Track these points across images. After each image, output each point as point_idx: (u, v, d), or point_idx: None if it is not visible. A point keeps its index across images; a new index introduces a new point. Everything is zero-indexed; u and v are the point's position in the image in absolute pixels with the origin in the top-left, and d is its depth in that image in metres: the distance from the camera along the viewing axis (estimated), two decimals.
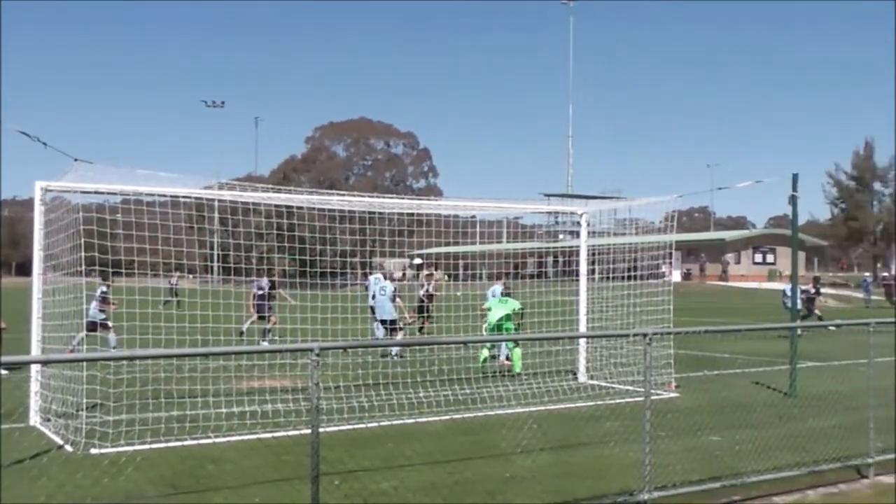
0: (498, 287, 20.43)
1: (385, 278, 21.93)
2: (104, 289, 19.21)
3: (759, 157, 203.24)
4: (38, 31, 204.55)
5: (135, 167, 12.92)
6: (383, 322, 20.26)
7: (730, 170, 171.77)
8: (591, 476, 9.22)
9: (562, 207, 32.97)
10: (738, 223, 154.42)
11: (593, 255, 17.86)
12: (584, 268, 16.80)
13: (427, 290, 23.96)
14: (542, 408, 13.02)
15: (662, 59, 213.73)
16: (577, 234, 17.71)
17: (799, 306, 19.68)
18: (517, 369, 16.80)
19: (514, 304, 17.90)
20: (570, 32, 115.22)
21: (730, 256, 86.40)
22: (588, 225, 17.35)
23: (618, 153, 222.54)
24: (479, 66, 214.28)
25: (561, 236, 76.70)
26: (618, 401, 13.26)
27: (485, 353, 17.60)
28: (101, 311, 19.25)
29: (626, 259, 17.75)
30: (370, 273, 26.33)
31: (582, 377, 16.20)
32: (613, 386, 15.16)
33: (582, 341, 16.44)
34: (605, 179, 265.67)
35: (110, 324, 19.36)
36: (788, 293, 23.43)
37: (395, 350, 18.93)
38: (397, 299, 20.70)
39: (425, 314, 23.30)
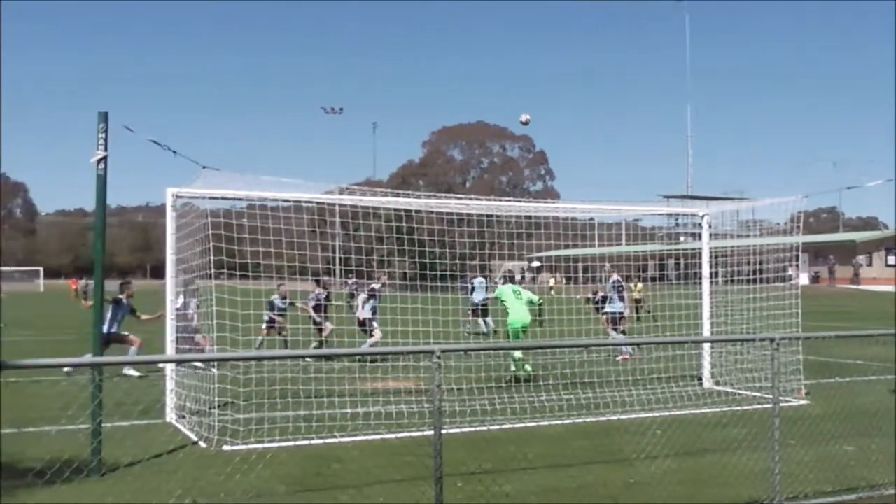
0: (481, 280, 19.64)
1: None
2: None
3: (889, 155, 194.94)
4: (172, 47, 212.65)
5: (259, 173, 13.32)
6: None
7: (858, 168, 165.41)
8: (716, 483, 9.02)
9: (682, 209, 32.28)
10: (869, 224, 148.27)
11: (716, 257, 17.47)
12: (706, 270, 16.45)
13: None
14: (666, 413, 12.81)
15: (784, 54, 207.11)
16: (699, 236, 17.36)
17: None
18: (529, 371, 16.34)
19: (529, 296, 17.01)
20: (686, 31, 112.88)
21: (861, 258, 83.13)
22: (710, 226, 16.99)
23: (739, 153, 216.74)
24: (595, 67, 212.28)
25: (682, 238, 75.30)
26: (745, 407, 12.95)
27: (518, 354, 16.49)
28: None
29: (750, 261, 17.29)
30: (475, 275, 26.46)
31: (707, 383, 15.87)
32: (740, 392, 14.80)
33: (706, 346, 16.10)
34: (726, 180, 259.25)
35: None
36: None
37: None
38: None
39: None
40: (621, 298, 20.91)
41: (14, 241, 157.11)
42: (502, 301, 16.94)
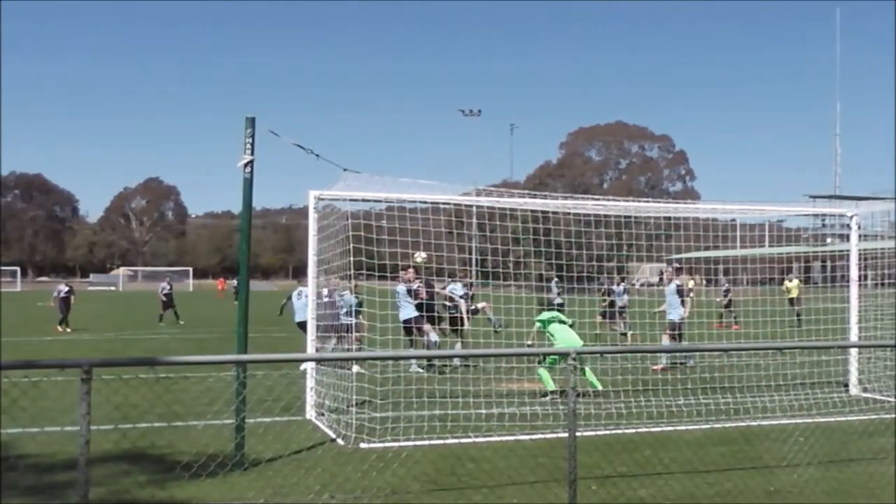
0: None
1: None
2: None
3: None
4: (314, 49, 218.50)
5: (398, 176, 13.49)
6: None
7: None
8: (863, 494, 8.66)
9: (829, 209, 31.08)
10: None
11: (865, 259, 16.77)
12: (854, 273, 15.79)
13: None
14: (810, 420, 12.36)
15: None
16: (847, 238, 16.70)
17: None
18: (597, 386, 14.76)
19: (564, 320, 15.53)
20: (836, 25, 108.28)
21: None
22: (859, 227, 16.30)
23: (890, 151, 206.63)
24: (737, 64, 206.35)
25: (829, 240, 72.53)
26: (894, 416, 12.37)
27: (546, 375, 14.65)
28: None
29: None
30: (611, 277, 26.19)
31: (854, 389, 15.24)
32: (889, 400, 14.15)
33: (853, 351, 15.45)
34: (875, 179, 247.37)
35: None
36: None
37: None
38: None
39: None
40: (682, 303, 19.17)
41: (165, 242, 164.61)
42: (544, 325, 15.43)
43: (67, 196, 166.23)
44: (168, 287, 37.21)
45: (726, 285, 29.48)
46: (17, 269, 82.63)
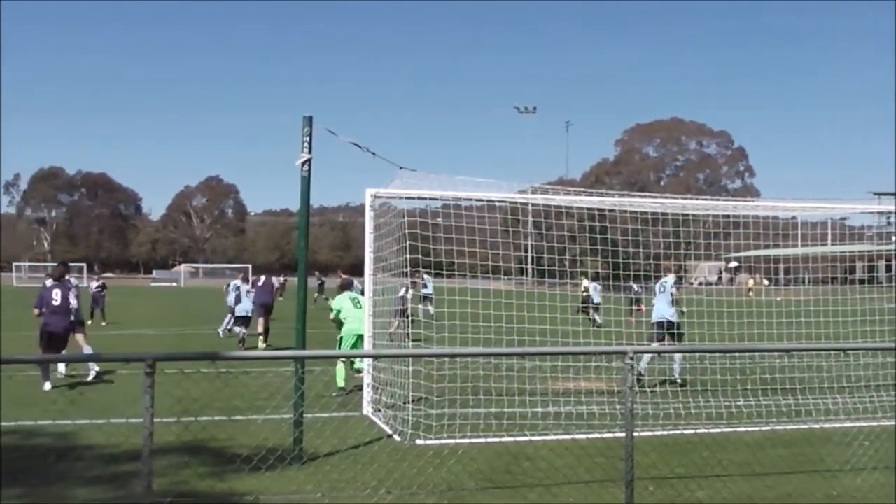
0: (343, 297, 16.11)
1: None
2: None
3: None
4: (371, 48, 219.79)
5: (453, 174, 13.53)
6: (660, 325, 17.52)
7: None
8: None
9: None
10: None
11: None
12: None
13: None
14: (874, 423, 12.10)
15: None
16: None
17: None
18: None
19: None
20: None
21: None
22: None
23: None
24: (799, 59, 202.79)
25: (894, 238, 70.94)
26: None
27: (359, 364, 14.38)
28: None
29: None
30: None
31: None
32: None
33: None
34: None
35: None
36: None
37: None
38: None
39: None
40: (676, 303, 17.08)
41: (226, 239, 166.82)
42: (338, 311, 15.37)
43: (131, 194, 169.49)
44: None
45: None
46: (84, 265, 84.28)
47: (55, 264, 22.11)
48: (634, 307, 32.14)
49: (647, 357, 16.21)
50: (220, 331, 26.73)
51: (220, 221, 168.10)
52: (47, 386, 14.55)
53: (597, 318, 30.41)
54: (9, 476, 8.15)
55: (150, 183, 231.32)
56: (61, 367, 16.10)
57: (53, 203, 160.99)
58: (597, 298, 33.16)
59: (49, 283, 16.31)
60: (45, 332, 15.38)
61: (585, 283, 33.97)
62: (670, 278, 17.30)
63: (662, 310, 16.76)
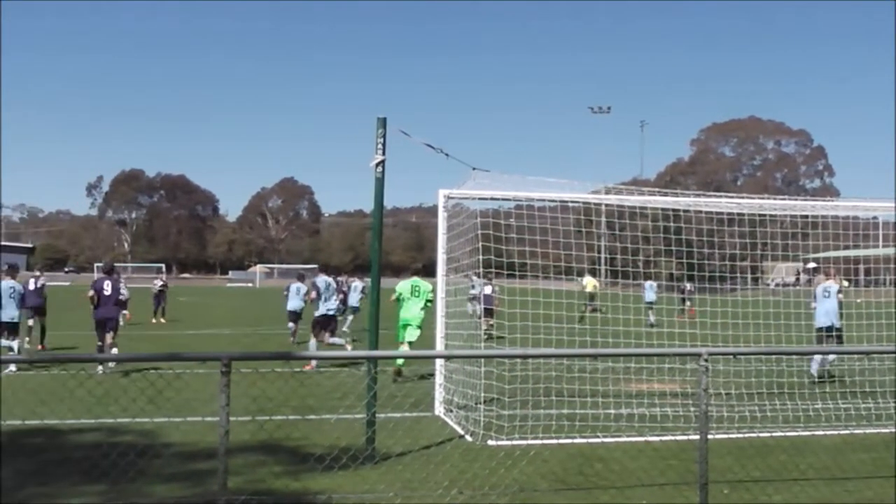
0: (406, 282, 17.14)
1: None
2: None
3: None
4: (443, 48, 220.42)
5: (526, 174, 13.48)
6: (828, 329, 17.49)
7: None
8: None
9: None
10: None
11: None
12: None
13: None
14: None
15: None
16: None
17: None
18: None
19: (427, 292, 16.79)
20: None
21: None
22: None
23: None
24: (877, 56, 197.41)
25: None
26: None
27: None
28: None
29: None
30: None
31: None
32: None
33: None
34: None
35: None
36: None
37: None
38: None
39: None
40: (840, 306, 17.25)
41: (300, 240, 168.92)
42: (399, 294, 16.72)
43: (208, 196, 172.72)
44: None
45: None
46: (163, 265, 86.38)
47: (102, 262, 26.31)
48: (686, 306, 31.90)
49: (817, 359, 16.56)
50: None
51: (294, 222, 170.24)
52: (99, 370, 16.62)
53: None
54: (93, 473, 8.37)
55: (227, 184, 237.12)
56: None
57: (134, 205, 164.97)
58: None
59: (100, 275, 19.27)
60: (98, 318, 17.99)
61: (586, 279, 33.27)
62: (834, 285, 17.50)
63: (831, 316, 16.99)
